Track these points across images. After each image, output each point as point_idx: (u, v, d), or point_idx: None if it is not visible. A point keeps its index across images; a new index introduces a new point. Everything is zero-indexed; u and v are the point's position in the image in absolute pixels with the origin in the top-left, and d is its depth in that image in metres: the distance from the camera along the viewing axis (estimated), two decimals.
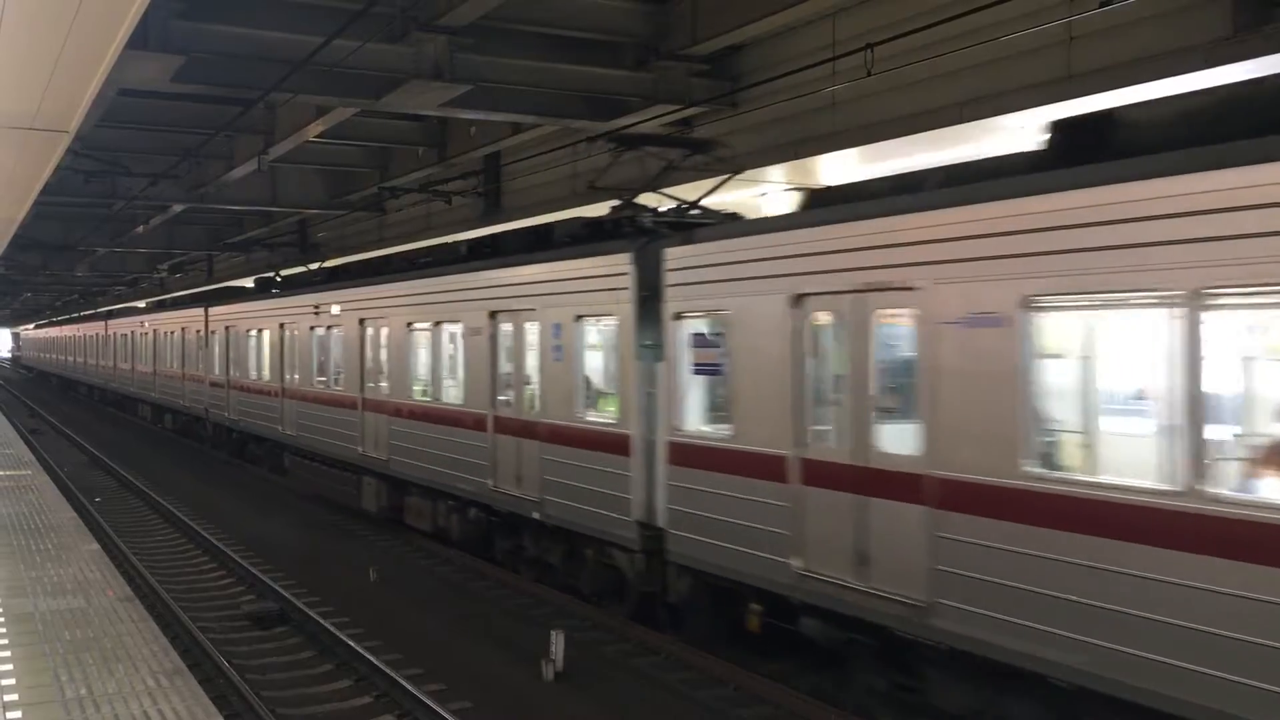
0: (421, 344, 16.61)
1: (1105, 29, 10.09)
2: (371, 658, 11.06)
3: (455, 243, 16.92)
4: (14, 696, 7.83)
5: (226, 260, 38.86)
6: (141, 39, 11.60)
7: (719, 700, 10.29)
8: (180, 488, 23.99)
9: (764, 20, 12.23)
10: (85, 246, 34.10)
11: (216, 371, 28.37)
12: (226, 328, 27.31)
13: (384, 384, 17.80)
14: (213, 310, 29.06)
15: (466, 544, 15.67)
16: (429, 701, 9.76)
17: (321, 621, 12.47)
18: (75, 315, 65.12)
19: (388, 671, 10.62)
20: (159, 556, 17.24)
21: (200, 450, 31.37)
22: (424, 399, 16.38)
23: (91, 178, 20.92)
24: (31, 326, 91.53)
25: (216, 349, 28.38)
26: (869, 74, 9.76)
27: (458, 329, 15.21)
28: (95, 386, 53.11)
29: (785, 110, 13.52)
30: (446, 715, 9.48)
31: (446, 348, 15.88)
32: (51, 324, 76.48)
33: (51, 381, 71.86)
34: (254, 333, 25.03)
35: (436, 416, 15.82)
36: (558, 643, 10.95)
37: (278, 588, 14.20)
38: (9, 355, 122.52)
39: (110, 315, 48.92)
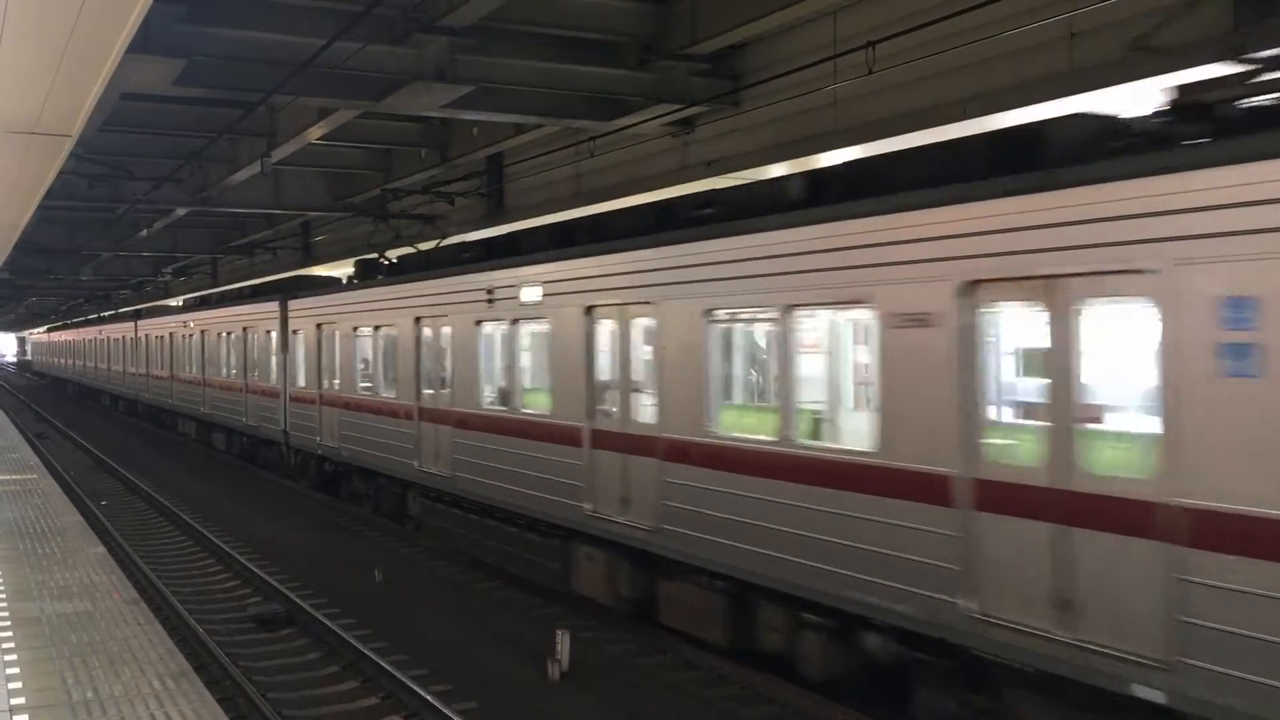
0: (748, 345, 10.90)
1: (1106, 25, 10.09)
2: (378, 659, 11.08)
3: (782, 179, 10.66)
4: (21, 700, 7.85)
5: (230, 264, 38.91)
6: (143, 43, 11.60)
7: (725, 700, 10.29)
8: (185, 490, 24.07)
9: (764, 19, 12.22)
10: (89, 251, 34.15)
11: (302, 383, 22.64)
12: (318, 325, 21.51)
13: (645, 409, 11.55)
14: (294, 304, 23.16)
15: (837, 688, 9.71)
16: (435, 702, 9.77)
17: (328, 623, 12.49)
18: (101, 315, 59.63)
19: (394, 673, 10.64)
20: (164, 559, 17.28)
21: (204, 453, 31.39)
22: (758, 437, 9.98)
23: (95, 182, 20.99)
24: (43, 330, 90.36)
25: (301, 353, 22.78)
26: (870, 72, 9.76)
27: (862, 318, 9.06)
28: (122, 397, 46.36)
29: (786, 109, 13.52)
30: (453, 716, 9.50)
31: (808, 350, 9.84)
32: (67, 326, 72.45)
33: (68, 389, 68.38)
34: (367, 331, 19.04)
35: (788, 469, 9.53)
36: (563, 642, 10.97)
37: (284, 590, 14.23)
38: (14, 359, 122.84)
39: (139, 315, 42.37)
